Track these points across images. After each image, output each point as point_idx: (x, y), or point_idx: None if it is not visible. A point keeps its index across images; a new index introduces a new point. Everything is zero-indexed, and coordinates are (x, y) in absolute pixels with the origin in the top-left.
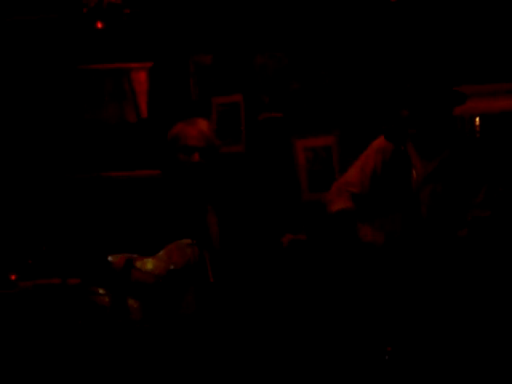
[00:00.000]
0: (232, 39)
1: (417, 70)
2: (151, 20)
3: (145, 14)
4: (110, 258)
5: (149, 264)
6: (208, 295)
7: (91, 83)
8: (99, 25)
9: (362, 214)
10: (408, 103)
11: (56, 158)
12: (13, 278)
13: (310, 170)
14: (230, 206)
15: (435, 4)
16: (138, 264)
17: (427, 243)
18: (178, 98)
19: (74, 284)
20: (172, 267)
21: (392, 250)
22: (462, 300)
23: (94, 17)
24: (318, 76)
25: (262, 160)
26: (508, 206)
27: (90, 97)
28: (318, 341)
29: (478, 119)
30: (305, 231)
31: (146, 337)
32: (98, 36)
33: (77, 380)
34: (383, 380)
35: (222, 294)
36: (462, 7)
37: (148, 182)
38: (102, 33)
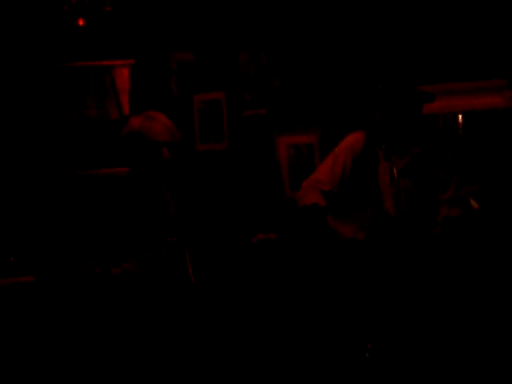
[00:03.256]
0: (214, 37)
1: (387, 70)
2: (133, 17)
3: (126, 11)
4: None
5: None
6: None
7: (74, 81)
8: (81, 22)
9: (334, 211)
10: (380, 105)
11: (39, 155)
12: None
13: (291, 168)
14: (206, 205)
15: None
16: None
17: (399, 240)
18: (159, 95)
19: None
20: None
21: (368, 248)
22: (440, 296)
23: (76, 14)
24: (301, 73)
25: (245, 157)
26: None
27: (73, 94)
28: (294, 339)
29: (460, 117)
30: (275, 230)
31: None
32: (79, 33)
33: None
34: (364, 377)
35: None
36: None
37: (126, 179)
38: (83, 30)
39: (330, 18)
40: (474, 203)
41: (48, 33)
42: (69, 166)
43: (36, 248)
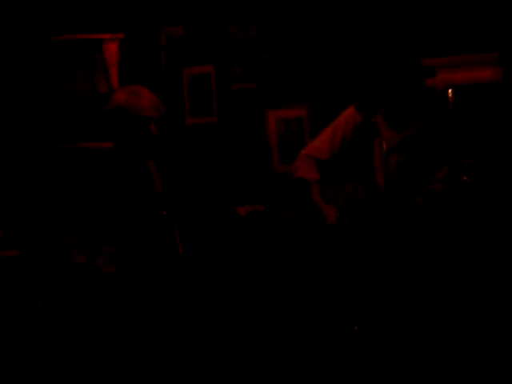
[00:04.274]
0: (204, 11)
1: (384, 43)
2: None
3: None
4: None
5: None
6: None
7: (62, 54)
8: None
9: (327, 181)
10: (377, 79)
11: (27, 129)
12: None
13: (281, 141)
14: (195, 178)
15: None
16: None
17: (385, 212)
18: (149, 69)
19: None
20: None
21: (357, 221)
22: (427, 268)
23: None
24: (291, 47)
25: (234, 131)
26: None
27: (61, 68)
28: (282, 313)
29: (450, 91)
30: (264, 203)
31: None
32: (68, 6)
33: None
34: (353, 350)
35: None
36: None
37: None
38: (72, 3)
39: None
40: (465, 179)
41: (35, 5)
42: (57, 139)
43: (24, 222)
